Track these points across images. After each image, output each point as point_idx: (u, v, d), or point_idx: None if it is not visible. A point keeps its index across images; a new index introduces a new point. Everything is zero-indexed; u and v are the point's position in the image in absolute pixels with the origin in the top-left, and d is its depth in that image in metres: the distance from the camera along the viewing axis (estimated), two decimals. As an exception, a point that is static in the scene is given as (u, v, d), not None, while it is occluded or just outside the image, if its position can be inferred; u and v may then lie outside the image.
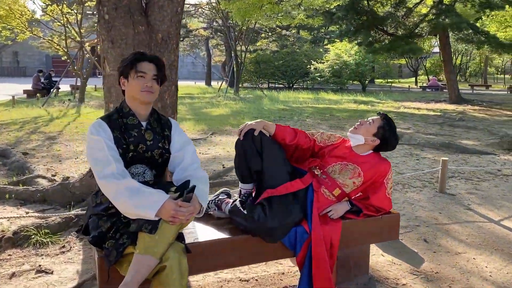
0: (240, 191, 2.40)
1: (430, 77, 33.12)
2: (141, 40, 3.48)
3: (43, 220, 3.29)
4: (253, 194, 2.35)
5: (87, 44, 16.09)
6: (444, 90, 27.22)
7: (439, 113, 12.72)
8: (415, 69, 37.56)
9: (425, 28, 15.75)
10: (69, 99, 15.08)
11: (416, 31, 15.77)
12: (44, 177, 4.64)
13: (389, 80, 35.74)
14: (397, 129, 2.57)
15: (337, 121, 10.75)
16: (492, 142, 7.44)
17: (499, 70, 48.27)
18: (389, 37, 16.38)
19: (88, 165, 5.31)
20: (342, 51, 23.27)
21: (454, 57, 34.54)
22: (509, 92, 26.08)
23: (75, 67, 15.61)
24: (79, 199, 3.81)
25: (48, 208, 3.76)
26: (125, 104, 2.04)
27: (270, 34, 30.18)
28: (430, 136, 8.08)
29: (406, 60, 37.64)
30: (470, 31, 15.09)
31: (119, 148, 1.93)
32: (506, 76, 46.04)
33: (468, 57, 41.22)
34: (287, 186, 2.27)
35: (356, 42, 16.97)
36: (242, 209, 2.21)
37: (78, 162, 5.65)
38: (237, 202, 2.30)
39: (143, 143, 1.99)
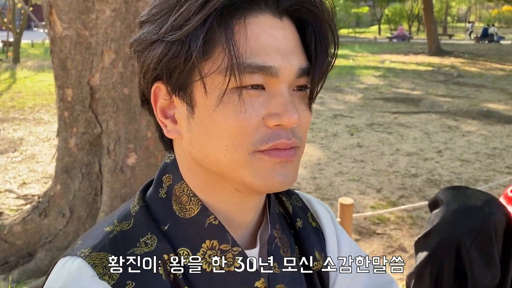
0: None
1: (398, 26, 32.02)
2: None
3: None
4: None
5: (17, -10, 13.33)
6: (411, 40, 26.42)
7: (430, 68, 11.66)
8: (378, 18, 36.40)
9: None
10: (0, 59, 12.57)
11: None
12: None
13: (349, 30, 34.37)
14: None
15: (327, 81, 9.39)
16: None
17: (455, 18, 48.31)
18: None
19: (41, 170, 3.62)
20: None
21: (412, 6, 33.66)
22: (475, 41, 25.64)
23: (5, 19, 12.96)
24: (23, 254, 2.24)
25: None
26: (180, 189, 0.47)
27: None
28: (446, 99, 6.92)
29: (368, 8, 36.35)
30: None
31: None
32: (462, 24, 46.14)
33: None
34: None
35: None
36: None
37: (17, 161, 3.94)
38: None
39: None
